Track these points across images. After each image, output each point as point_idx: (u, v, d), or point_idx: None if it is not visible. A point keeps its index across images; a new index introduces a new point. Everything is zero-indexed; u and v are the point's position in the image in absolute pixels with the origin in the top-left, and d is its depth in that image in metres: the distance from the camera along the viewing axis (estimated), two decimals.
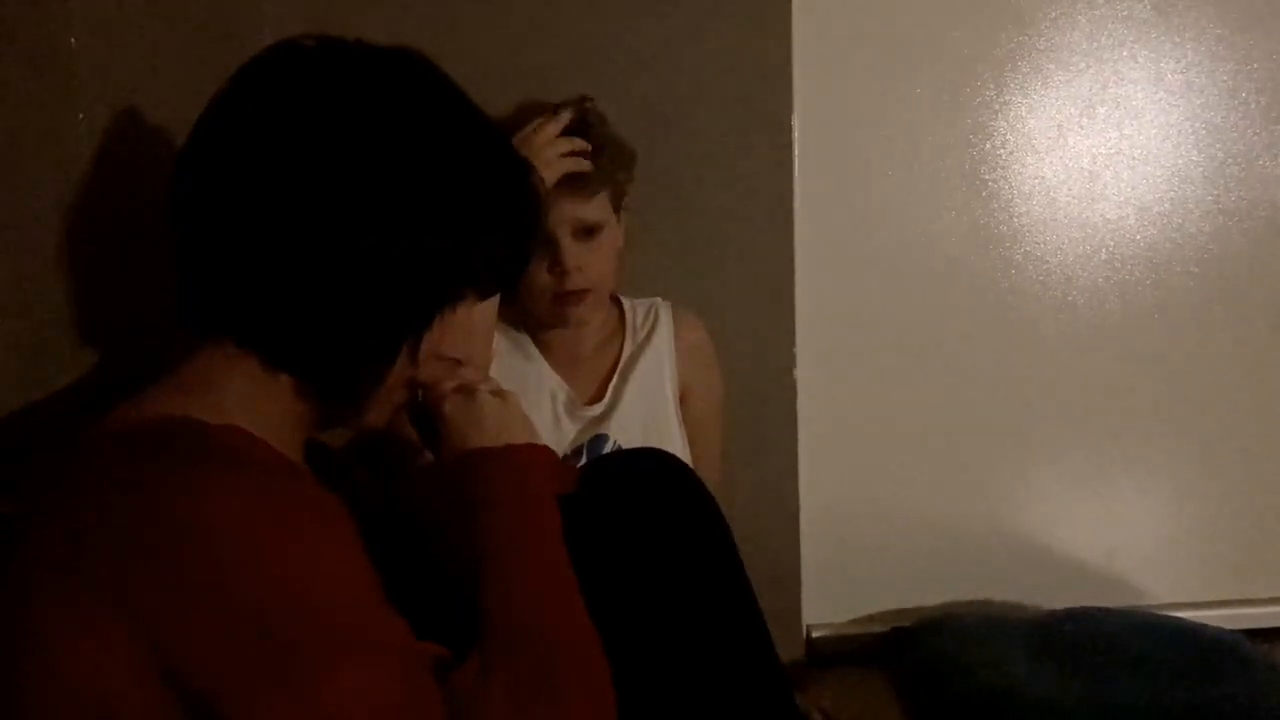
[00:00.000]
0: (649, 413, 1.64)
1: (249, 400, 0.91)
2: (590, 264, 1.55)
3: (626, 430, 1.60)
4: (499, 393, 1.04)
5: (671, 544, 1.11)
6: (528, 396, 1.55)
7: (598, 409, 1.62)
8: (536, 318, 1.61)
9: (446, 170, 0.92)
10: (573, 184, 1.51)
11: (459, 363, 1.01)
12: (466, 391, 1.02)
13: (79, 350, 1.09)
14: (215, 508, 0.78)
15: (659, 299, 1.72)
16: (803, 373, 1.90)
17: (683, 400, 1.68)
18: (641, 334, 1.68)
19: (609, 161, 1.57)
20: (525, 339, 1.64)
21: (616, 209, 1.61)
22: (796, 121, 1.83)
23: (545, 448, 1.02)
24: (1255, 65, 2.03)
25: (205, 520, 0.77)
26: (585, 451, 1.58)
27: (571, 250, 1.53)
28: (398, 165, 0.90)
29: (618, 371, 1.65)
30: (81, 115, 1.09)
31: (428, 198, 0.91)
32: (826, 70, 1.91)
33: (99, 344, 1.11)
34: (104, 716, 0.76)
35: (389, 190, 0.89)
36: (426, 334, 0.95)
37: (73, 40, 1.08)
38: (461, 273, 0.95)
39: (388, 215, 0.89)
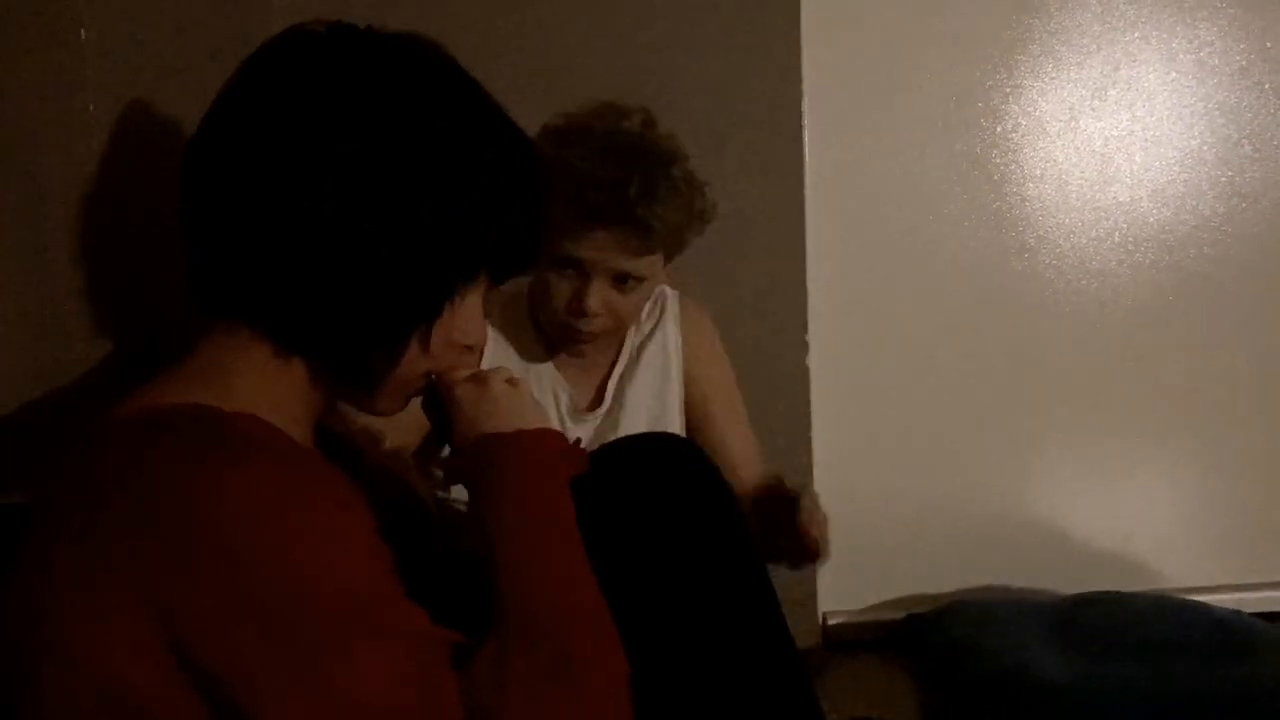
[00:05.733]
0: (654, 411, 1.57)
1: (261, 386, 0.91)
2: (617, 308, 1.44)
3: (631, 430, 1.50)
4: (511, 380, 1.04)
5: (686, 529, 1.11)
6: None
7: (599, 412, 1.55)
8: (544, 323, 1.51)
9: (455, 154, 0.92)
10: (628, 230, 1.37)
11: (471, 349, 1.01)
12: (479, 379, 1.02)
13: (91, 339, 1.10)
14: (231, 493, 0.78)
15: (666, 288, 1.63)
16: (815, 360, 1.90)
17: (701, 397, 1.61)
18: (646, 328, 1.59)
19: (680, 222, 1.41)
20: (530, 334, 1.53)
21: (668, 260, 1.47)
22: (806, 107, 1.83)
23: (557, 432, 1.02)
24: (1269, 45, 2.02)
25: (221, 505, 0.77)
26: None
27: (599, 294, 1.41)
28: (406, 149, 0.90)
29: (619, 370, 1.56)
30: (91, 106, 1.09)
31: (437, 182, 0.91)
32: (836, 55, 1.91)
33: (111, 332, 1.11)
34: (121, 699, 0.76)
35: (398, 174, 0.89)
36: (438, 320, 0.95)
37: (83, 31, 1.09)
38: (472, 256, 0.95)
39: (397, 199, 0.89)
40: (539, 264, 1.39)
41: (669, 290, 1.63)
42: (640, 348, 1.58)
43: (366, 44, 0.93)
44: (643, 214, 1.36)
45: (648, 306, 1.59)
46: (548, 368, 1.53)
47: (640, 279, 1.43)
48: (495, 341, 1.49)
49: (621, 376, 1.57)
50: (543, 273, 1.43)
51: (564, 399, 1.53)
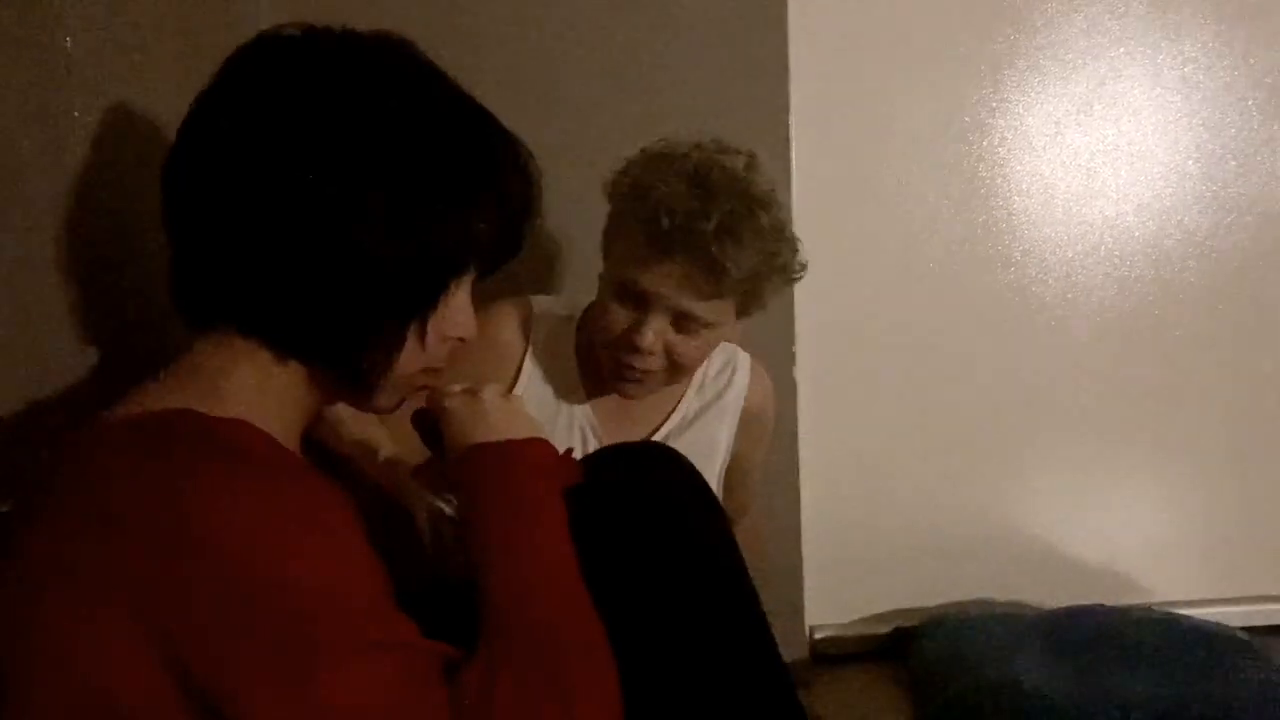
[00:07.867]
0: None
1: (253, 391, 0.91)
2: (675, 351, 1.32)
3: None
4: (504, 395, 1.05)
5: (674, 541, 1.10)
6: (555, 436, 1.29)
7: None
8: (600, 353, 1.39)
9: (437, 150, 0.92)
10: (698, 267, 1.25)
11: (462, 341, 1.01)
12: (471, 392, 1.03)
13: (77, 347, 1.09)
14: (221, 502, 0.77)
15: (738, 349, 1.54)
16: (802, 371, 1.90)
17: (734, 469, 1.55)
18: (709, 394, 1.50)
19: (757, 269, 1.28)
20: (572, 372, 1.44)
21: (744, 313, 1.35)
22: (793, 121, 1.83)
23: (546, 442, 1.02)
24: (1252, 61, 2.03)
25: (213, 518, 0.77)
26: None
27: (657, 331, 1.30)
28: (389, 146, 0.90)
29: (667, 429, 1.46)
30: (76, 114, 1.08)
31: (422, 177, 0.91)
32: (823, 69, 1.91)
33: (97, 340, 1.10)
34: (109, 707, 0.75)
35: (384, 171, 0.89)
36: (432, 315, 0.95)
37: (67, 39, 1.08)
38: (461, 249, 0.95)
39: (385, 197, 0.89)
40: (602, 288, 1.35)
41: (742, 355, 1.54)
42: (698, 414, 1.50)
43: (342, 45, 0.93)
44: (716, 252, 1.24)
45: (717, 367, 1.51)
46: (584, 409, 1.45)
47: (705, 324, 1.31)
48: (531, 378, 1.43)
49: (668, 437, 1.47)
50: (605, 298, 1.34)
51: (592, 444, 1.44)
